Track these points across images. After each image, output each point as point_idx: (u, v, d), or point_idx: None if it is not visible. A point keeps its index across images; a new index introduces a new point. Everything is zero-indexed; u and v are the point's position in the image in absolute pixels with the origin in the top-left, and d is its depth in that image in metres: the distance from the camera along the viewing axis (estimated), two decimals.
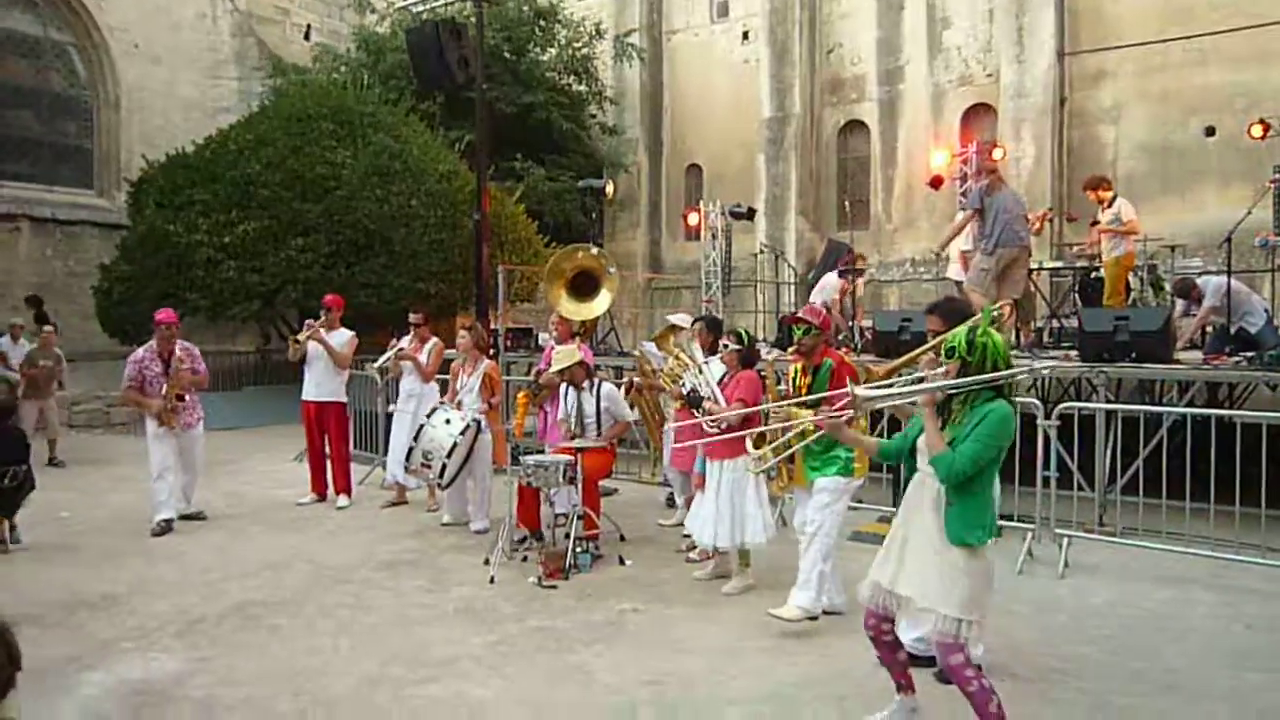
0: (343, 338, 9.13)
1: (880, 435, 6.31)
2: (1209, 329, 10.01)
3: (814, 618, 5.42)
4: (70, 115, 19.93)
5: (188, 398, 8.28)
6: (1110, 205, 10.78)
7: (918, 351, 4.72)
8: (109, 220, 19.04)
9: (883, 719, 4.13)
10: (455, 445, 7.49)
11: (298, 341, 9.03)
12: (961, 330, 3.87)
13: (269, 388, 16.56)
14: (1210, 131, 16.52)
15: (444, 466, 7.50)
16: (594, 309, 10.09)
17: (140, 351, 8.29)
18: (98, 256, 17.78)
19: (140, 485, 10.11)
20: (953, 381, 3.81)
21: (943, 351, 3.94)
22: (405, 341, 9.14)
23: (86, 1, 19.44)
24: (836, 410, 4.29)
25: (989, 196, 9.44)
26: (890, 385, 4.36)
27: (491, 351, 11.82)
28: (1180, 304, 10.42)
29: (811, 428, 5.02)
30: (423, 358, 8.96)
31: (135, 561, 7.08)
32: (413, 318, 9.23)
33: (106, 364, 16.82)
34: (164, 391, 8.13)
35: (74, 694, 4.63)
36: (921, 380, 4.04)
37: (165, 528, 7.96)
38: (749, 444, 5.56)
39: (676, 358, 7.06)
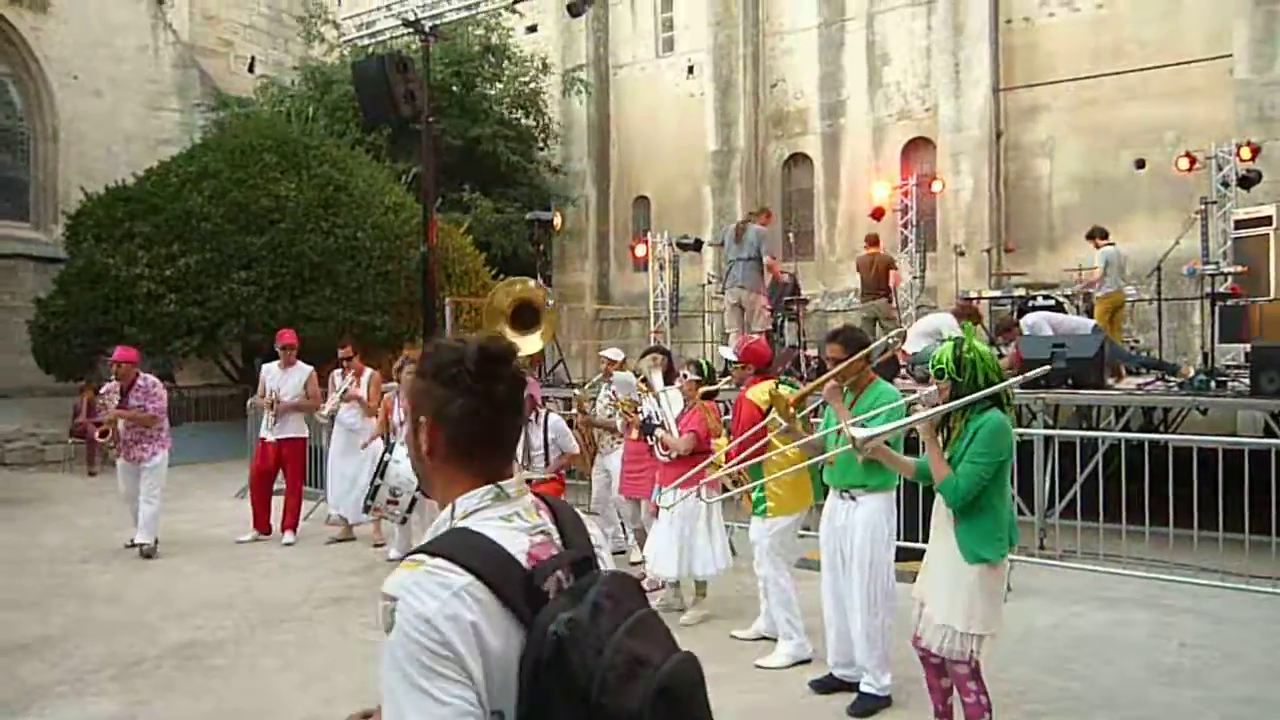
0: (302, 375, 9.00)
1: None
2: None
3: (806, 661, 5.35)
4: (6, 147, 19.58)
5: (130, 433, 8.29)
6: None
7: (822, 378, 4.76)
8: (46, 254, 18.67)
9: None
10: None
11: (265, 402, 9.01)
12: (947, 349, 3.85)
13: (207, 424, 16.25)
14: (1140, 164, 17.04)
15: (413, 501, 7.43)
16: (537, 342, 10.01)
17: (108, 384, 8.68)
18: (34, 290, 17.40)
19: (75, 524, 9.92)
20: (945, 406, 3.81)
21: (931, 373, 3.92)
22: (344, 379, 9.04)
23: (24, 32, 19.15)
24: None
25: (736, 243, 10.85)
26: (885, 419, 4.37)
27: None
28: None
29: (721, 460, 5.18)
30: (361, 391, 8.91)
31: (70, 603, 6.89)
32: (342, 352, 9.12)
33: (41, 400, 16.43)
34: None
35: None
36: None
37: (136, 548, 8.28)
38: (723, 476, 5.61)
39: (640, 387, 7.10)
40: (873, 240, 13.27)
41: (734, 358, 5.77)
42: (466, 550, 1.38)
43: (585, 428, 8.31)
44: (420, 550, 1.41)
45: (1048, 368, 4.32)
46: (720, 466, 5.79)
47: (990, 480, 3.74)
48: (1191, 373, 9.59)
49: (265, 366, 9.24)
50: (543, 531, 1.47)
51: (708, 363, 6.78)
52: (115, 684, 5.22)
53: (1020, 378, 3.93)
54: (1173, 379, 9.66)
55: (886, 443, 4.32)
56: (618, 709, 1.26)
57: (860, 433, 3.95)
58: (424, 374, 1.52)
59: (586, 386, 9.83)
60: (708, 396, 6.43)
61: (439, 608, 1.31)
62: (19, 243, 19.00)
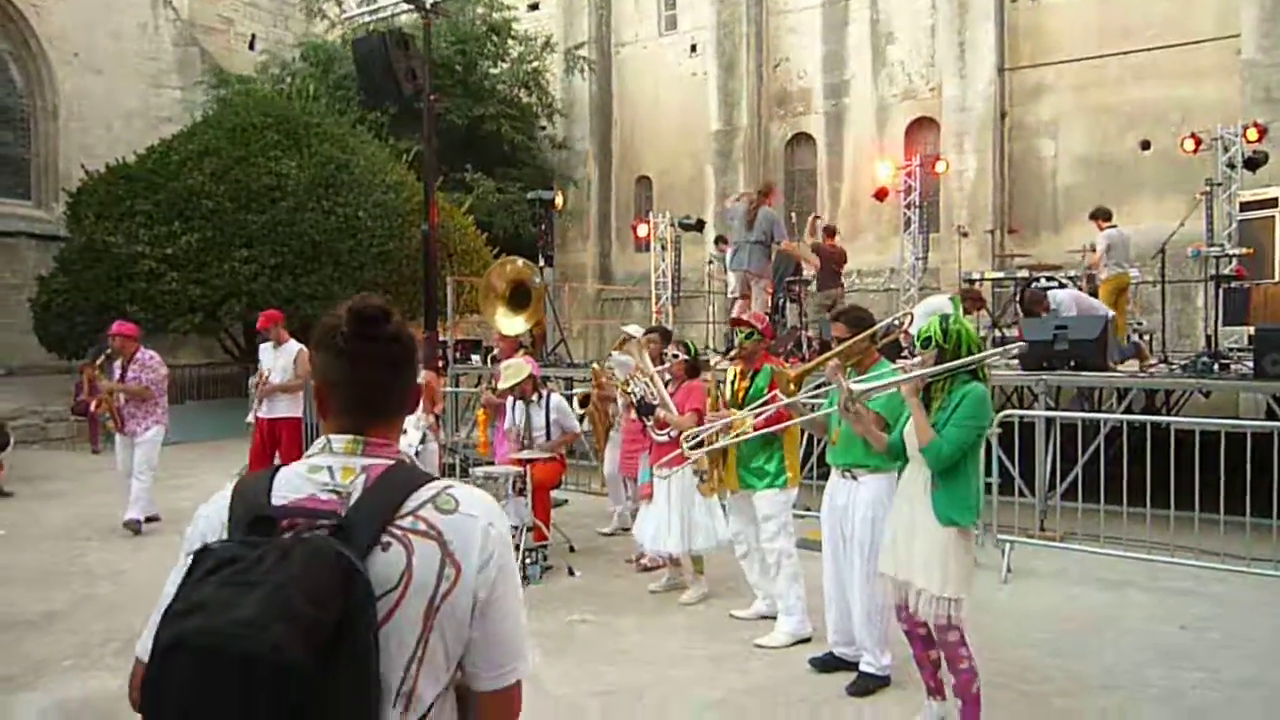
0: (290, 353, 8.96)
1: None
2: None
3: (806, 639, 5.36)
4: (7, 125, 19.51)
5: (128, 407, 8.42)
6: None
7: (825, 356, 4.76)
8: (47, 232, 18.63)
9: None
10: (416, 455, 7.46)
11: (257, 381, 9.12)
12: (935, 320, 4.06)
13: (208, 402, 16.25)
14: (1146, 145, 16.95)
15: None
16: (521, 323, 9.90)
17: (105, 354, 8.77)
18: (35, 268, 17.38)
19: (78, 501, 9.94)
20: (933, 369, 3.99)
21: (918, 342, 4.14)
22: None
23: (24, 9, 19.04)
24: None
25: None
26: (875, 376, 4.54)
27: (440, 363, 11.78)
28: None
29: (749, 430, 5.15)
30: None
31: (74, 579, 6.92)
32: None
33: (43, 378, 16.44)
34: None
35: (9, 716, 4.52)
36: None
37: (129, 527, 8.30)
38: (684, 445, 5.57)
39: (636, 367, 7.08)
40: (831, 232, 13.87)
41: (757, 326, 5.62)
42: (244, 482, 1.59)
43: (602, 403, 8.32)
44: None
45: (1022, 344, 4.79)
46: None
47: (970, 446, 3.97)
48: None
49: (262, 346, 9.22)
50: (335, 491, 1.51)
51: (693, 344, 6.76)
52: (119, 659, 5.24)
53: (1000, 349, 4.39)
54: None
55: (886, 424, 4.35)
56: (158, 636, 1.38)
57: (857, 387, 4.22)
58: (314, 343, 1.64)
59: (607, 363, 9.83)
60: (693, 375, 6.39)
61: (200, 511, 1.62)
62: (20, 220, 18.97)
